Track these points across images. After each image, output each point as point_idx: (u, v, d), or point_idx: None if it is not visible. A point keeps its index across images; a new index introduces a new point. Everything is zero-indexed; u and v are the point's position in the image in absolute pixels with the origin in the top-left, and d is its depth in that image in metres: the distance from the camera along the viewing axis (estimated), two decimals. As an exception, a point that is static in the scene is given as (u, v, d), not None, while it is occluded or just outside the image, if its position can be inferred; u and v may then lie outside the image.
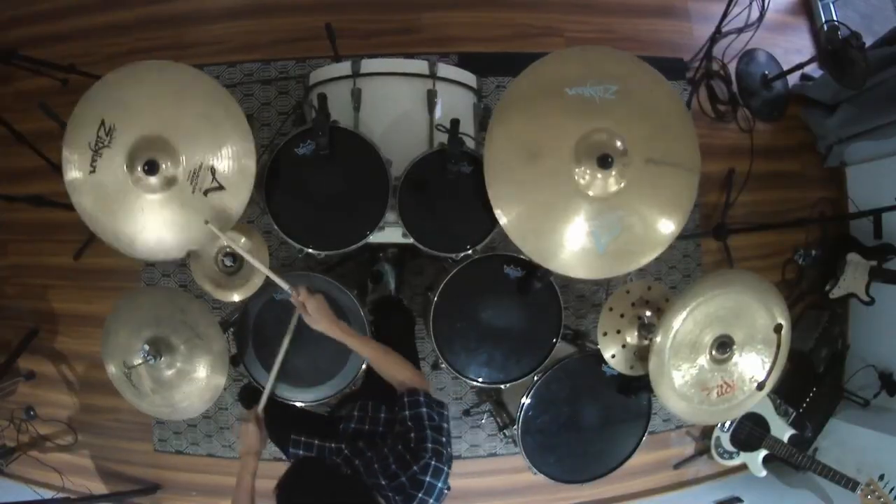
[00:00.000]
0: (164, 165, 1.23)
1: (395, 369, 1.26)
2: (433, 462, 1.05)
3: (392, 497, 1.02)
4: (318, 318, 1.30)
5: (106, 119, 1.23)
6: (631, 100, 1.26)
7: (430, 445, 1.07)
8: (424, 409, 1.14)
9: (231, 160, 1.27)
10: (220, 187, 1.26)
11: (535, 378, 1.60)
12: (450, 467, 1.08)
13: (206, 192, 1.26)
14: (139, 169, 1.23)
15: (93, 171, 1.24)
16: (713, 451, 2.47)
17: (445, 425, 1.16)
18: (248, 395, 1.81)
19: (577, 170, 1.23)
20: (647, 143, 1.26)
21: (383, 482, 1.03)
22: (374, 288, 2.05)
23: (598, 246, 1.26)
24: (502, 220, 1.26)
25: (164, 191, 1.25)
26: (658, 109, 1.30)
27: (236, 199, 1.28)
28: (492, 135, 1.27)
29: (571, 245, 1.27)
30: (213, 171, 1.26)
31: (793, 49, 2.72)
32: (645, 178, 1.26)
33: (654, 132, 1.28)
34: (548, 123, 1.26)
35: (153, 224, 1.28)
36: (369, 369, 1.62)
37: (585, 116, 1.25)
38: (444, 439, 1.12)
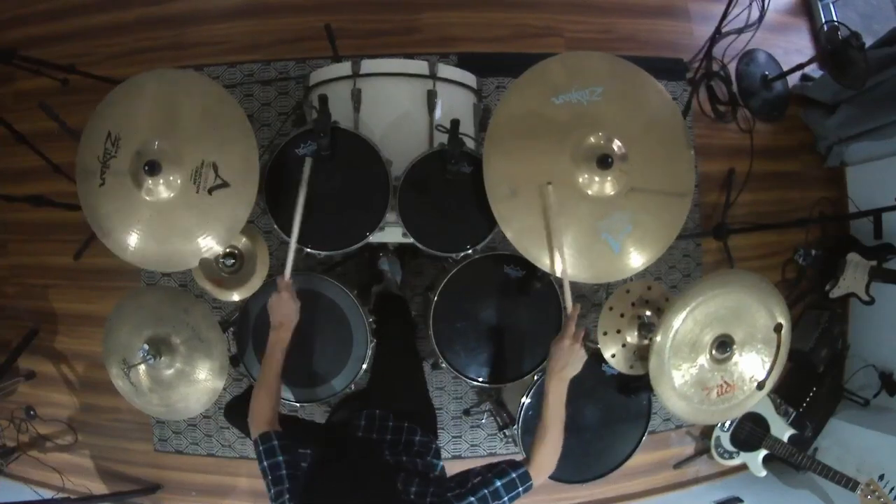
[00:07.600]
0: (165, 165, 1.23)
1: None
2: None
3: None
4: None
5: (112, 130, 1.25)
6: (618, 98, 1.27)
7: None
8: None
9: (233, 155, 1.27)
10: (225, 184, 1.26)
11: (535, 378, 1.60)
12: None
13: (210, 191, 1.26)
14: (141, 171, 1.23)
15: (102, 184, 1.24)
16: (713, 451, 2.46)
17: None
18: (235, 411, 1.63)
19: (579, 176, 1.24)
20: (641, 136, 1.28)
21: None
22: (379, 283, 2.04)
23: (614, 247, 1.28)
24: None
25: (168, 193, 1.25)
26: (645, 102, 1.32)
27: (243, 196, 1.27)
28: (489, 162, 1.29)
29: (586, 252, 1.28)
30: (215, 167, 1.25)
31: (793, 49, 2.72)
32: (644, 170, 1.27)
33: (645, 124, 1.29)
34: (540, 140, 1.28)
35: (162, 231, 1.28)
36: (374, 377, 1.61)
37: (577, 122, 1.26)
38: None
